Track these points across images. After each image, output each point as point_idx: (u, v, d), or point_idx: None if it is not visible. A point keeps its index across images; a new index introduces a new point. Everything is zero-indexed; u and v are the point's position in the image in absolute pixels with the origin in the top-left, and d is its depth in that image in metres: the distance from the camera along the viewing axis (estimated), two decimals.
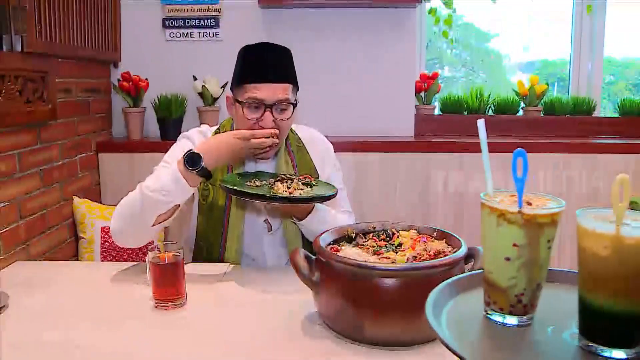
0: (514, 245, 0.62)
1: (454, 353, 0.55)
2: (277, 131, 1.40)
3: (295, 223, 1.47)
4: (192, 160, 1.31)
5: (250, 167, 1.54)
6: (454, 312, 0.66)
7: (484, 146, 0.69)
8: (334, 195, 1.33)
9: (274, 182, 1.38)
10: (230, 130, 1.53)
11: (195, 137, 1.54)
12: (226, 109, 1.55)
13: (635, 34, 2.90)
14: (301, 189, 1.35)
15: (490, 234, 0.65)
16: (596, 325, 0.58)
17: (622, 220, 0.55)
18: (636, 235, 0.54)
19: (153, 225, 1.34)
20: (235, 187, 1.29)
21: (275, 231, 1.54)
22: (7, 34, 1.69)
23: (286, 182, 1.39)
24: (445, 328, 0.62)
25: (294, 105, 1.46)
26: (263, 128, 1.41)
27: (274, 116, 1.41)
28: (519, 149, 0.63)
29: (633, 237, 0.54)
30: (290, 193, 1.31)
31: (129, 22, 2.53)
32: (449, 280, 0.72)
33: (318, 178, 1.54)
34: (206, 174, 1.33)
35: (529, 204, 0.64)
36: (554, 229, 0.63)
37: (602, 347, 0.57)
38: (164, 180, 1.32)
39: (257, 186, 1.35)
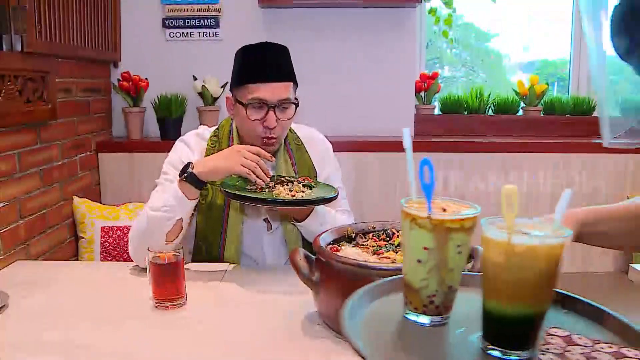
0: (424, 248, 0.66)
1: (355, 349, 0.56)
2: (268, 178, 1.38)
3: (294, 225, 1.47)
4: (184, 169, 1.34)
5: None
6: (376, 313, 0.69)
7: (409, 154, 0.75)
8: (335, 197, 1.33)
9: (274, 185, 1.38)
10: (230, 129, 1.54)
11: (192, 141, 1.54)
12: (226, 110, 1.55)
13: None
14: (302, 191, 1.35)
15: (405, 237, 0.69)
16: (494, 328, 0.61)
17: (513, 228, 0.59)
18: (525, 243, 0.58)
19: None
20: (237, 192, 1.30)
21: (274, 230, 1.54)
22: (7, 34, 1.69)
23: (286, 184, 1.39)
24: (359, 326, 0.64)
25: (296, 105, 1.46)
26: (267, 128, 1.42)
27: (277, 116, 1.42)
28: (424, 158, 0.68)
29: (522, 245, 0.58)
30: (293, 196, 1.32)
31: (129, 22, 2.53)
32: (375, 282, 0.75)
33: (317, 177, 1.54)
34: (195, 181, 1.33)
35: (445, 210, 0.68)
36: (464, 235, 0.66)
37: (498, 349, 0.60)
38: (165, 197, 1.36)
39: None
